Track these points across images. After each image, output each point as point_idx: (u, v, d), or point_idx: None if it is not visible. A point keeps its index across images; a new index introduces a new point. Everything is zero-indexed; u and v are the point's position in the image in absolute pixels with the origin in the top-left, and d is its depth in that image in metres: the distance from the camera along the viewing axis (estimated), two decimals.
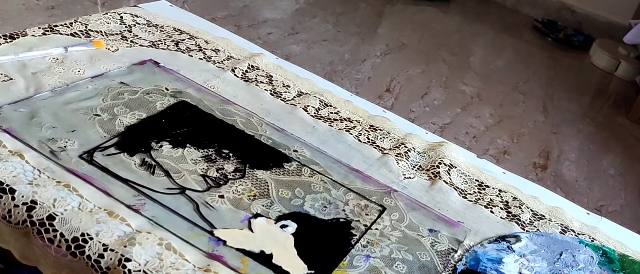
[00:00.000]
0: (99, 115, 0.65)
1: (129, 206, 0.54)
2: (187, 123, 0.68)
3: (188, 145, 0.64)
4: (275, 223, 0.57)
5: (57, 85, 0.68)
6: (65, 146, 0.59)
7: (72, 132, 0.61)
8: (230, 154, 0.64)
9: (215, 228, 0.54)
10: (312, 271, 0.53)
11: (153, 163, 0.60)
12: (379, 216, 0.62)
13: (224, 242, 0.53)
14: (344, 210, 0.61)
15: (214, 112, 0.71)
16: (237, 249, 0.53)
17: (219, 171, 0.62)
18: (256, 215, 0.57)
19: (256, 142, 0.68)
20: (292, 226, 0.57)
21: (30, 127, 0.61)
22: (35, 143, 0.59)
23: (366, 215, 0.61)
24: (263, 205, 0.59)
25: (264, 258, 0.53)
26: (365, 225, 0.60)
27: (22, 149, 0.57)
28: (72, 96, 0.67)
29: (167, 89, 0.72)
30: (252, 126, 0.70)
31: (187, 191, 0.58)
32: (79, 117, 0.64)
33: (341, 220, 0.60)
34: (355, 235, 0.58)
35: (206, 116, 0.70)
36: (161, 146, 0.63)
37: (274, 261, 0.53)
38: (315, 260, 0.54)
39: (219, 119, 0.70)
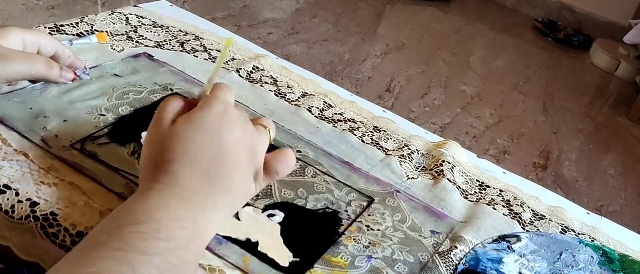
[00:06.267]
0: (103, 115, 0.65)
1: (118, 194, 0.55)
2: None
3: None
4: (263, 212, 0.58)
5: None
6: (56, 135, 0.60)
7: (64, 121, 0.63)
8: None
9: None
10: (297, 259, 0.53)
11: None
12: (367, 206, 0.62)
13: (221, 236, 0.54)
14: (346, 211, 0.61)
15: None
16: (223, 237, 0.53)
17: None
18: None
19: None
20: (279, 216, 0.58)
21: (23, 115, 0.62)
22: (27, 131, 0.60)
23: (368, 215, 0.61)
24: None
25: (249, 246, 0.53)
26: (354, 213, 0.61)
27: (27, 147, 0.58)
28: (77, 94, 0.67)
29: (171, 89, 0.73)
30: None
31: None
32: (83, 116, 0.64)
33: (328, 210, 0.60)
34: (343, 225, 0.59)
35: None
36: None
37: (259, 248, 0.53)
38: (301, 248, 0.55)
39: None
